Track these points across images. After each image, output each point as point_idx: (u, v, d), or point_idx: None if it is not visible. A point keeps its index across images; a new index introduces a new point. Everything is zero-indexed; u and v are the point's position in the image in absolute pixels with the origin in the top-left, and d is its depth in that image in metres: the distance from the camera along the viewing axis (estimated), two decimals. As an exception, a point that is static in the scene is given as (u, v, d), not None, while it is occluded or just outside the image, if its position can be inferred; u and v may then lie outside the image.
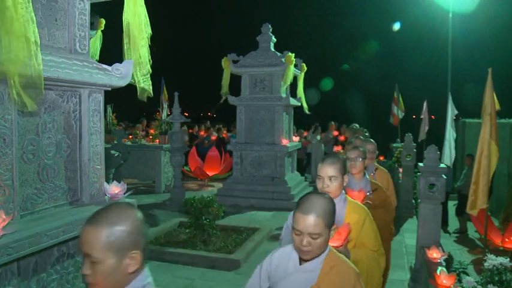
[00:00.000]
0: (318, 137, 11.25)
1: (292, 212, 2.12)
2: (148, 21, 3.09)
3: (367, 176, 3.36)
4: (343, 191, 2.41)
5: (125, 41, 3.00)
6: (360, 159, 3.25)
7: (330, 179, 2.31)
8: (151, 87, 3.19)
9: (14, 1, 2.06)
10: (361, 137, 6.98)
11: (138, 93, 3.18)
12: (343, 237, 2.06)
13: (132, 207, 1.36)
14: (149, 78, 3.16)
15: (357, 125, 10.94)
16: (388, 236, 3.46)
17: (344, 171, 2.35)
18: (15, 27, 2.07)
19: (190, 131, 13.17)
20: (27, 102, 2.11)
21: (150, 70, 3.16)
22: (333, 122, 12.17)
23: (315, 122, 12.35)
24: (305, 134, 12.28)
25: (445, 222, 6.73)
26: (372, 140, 4.24)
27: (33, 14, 2.19)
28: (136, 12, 2.97)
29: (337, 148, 10.31)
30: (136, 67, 3.05)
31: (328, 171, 2.31)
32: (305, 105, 9.60)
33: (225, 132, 13.01)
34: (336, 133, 11.75)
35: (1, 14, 2.02)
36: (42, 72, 2.19)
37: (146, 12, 3.07)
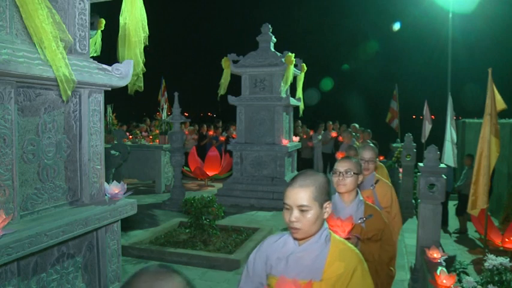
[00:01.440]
0: (319, 137, 11.21)
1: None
2: (146, 22, 3.09)
3: (361, 197, 2.54)
4: (325, 226, 1.66)
5: (121, 40, 3.01)
6: (351, 173, 2.43)
7: (301, 210, 1.57)
8: (142, 84, 3.24)
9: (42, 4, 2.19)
10: (350, 130, 6.46)
11: (129, 90, 3.22)
12: None
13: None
14: (141, 77, 3.20)
15: (357, 125, 10.91)
16: (384, 282, 2.59)
17: (324, 197, 1.61)
18: (47, 28, 2.26)
19: (204, 130, 13.05)
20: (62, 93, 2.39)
21: (144, 69, 3.18)
22: (331, 122, 11.90)
23: (324, 121, 12.07)
24: (311, 133, 12.08)
25: (445, 222, 6.73)
26: (372, 144, 3.59)
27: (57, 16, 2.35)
28: (133, 13, 2.97)
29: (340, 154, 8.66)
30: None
31: (297, 197, 1.56)
32: (302, 106, 9.57)
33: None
34: (334, 134, 11.46)
35: (34, 14, 2.19)
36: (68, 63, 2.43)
37: (145, 13, 3.07)
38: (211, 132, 12.64)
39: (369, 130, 9.31)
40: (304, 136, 11.62)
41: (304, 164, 11.22)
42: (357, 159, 2.66)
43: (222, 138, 12.18)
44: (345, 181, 2.43)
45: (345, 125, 12.03)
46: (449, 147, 6.23)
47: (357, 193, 2.53)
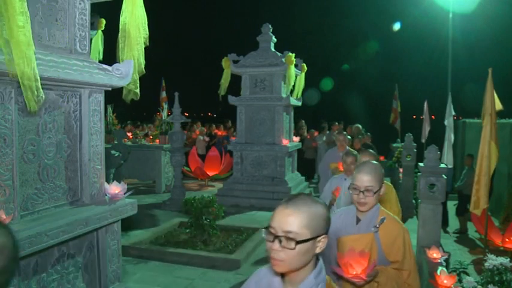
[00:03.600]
0: (324, 138, 11.18)
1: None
2: (146, 22, 3.07)
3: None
4: None
5: (121, 41, 2.99)
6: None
7: None
8: (138, 90, 3.10)
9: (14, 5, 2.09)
10: (346, 133, 5.69)
11: (123, 95, 3.11)
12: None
13: None
14: (138, 82, 3.08)
15: (359, 126, 10.83)
16: None
17: None
18: (16, 32, 2.10)
19: (216, 131, 13.00)
20: (28, 102, 2.15)
21: (144, 71, 3.13)
22: (337, 123, 11.75)
23: (328, 122, 11.96)
24: (316, 134, 11.90)
25: (445, 222, 6.72)
26: (371, 163, 2.18)
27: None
28: (134, 13, 2.95)
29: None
30: None
31: None
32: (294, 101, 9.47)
33: None
34: None
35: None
36: (37, 73, 2.19)
37: (145, 14, 3.06)
38: (220, 133, 12.63)
39: (368, 133, 9.24)
40: (308, 136, 11.60)
41: (307, 164, 11.20)
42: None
43: (233, 138, 12.15)
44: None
45: (350, 126, 11.69)
46: (449, 147, 6.24)
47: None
